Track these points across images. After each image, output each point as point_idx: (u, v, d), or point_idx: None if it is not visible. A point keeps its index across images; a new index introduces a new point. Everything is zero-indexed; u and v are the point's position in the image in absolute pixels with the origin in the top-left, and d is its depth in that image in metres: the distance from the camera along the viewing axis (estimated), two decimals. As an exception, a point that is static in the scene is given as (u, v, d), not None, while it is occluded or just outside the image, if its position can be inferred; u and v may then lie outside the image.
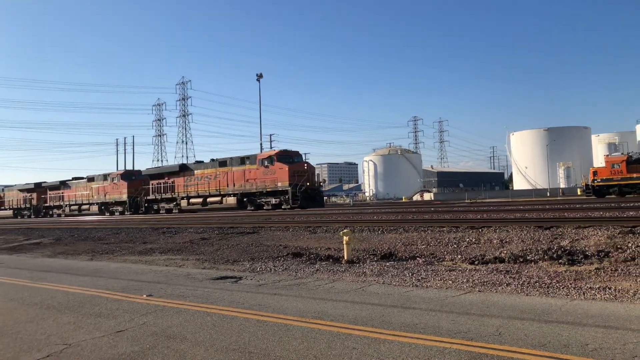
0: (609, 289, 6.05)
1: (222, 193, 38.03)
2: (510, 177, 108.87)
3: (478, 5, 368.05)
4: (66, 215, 51.50)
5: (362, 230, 13.64)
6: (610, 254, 8.12)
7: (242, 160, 37.32)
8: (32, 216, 56.68)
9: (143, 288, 7.74)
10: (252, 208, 35.79)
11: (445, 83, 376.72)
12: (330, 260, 9.79)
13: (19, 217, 58.44)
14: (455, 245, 10.25)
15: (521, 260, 8.29)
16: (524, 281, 6.78)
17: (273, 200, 34.81)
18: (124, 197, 46.09)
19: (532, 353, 3.83)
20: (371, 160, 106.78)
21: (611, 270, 7.11)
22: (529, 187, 78.52)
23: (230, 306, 6.08)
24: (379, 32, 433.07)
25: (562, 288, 6.27)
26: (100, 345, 4.61)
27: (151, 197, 43.98)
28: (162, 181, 43.37)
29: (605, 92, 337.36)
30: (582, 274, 7.01)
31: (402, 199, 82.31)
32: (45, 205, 56.40)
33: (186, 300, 6.62)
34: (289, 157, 35.57)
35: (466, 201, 51.70)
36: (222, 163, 38.84)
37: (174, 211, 41.32)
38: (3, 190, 65.85)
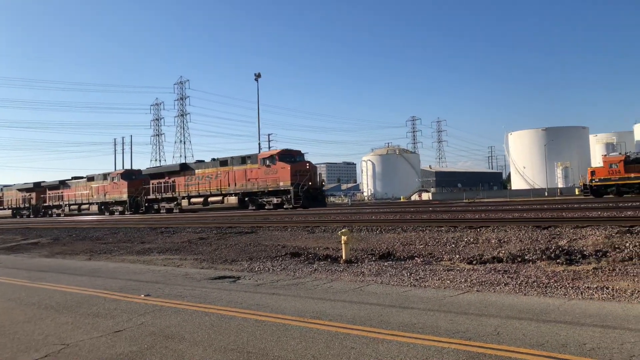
0: (607, 288, 6.06)
1: (223, 192, 37.91)
2: (509, 177, 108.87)
3: (478, 5, 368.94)
4: (65, 215, 51.37)
5: (360, 230, 13.65)
6: (608, 254, 8.13)
7: (244, 160, 37.19)
8: (31, 216, 56.51)
9: (141, 288, 7.74)
10: (254, 208, 35.70)
11: (445, 83, 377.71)
12: (329, 260, 9.79)
13: (18, 216, 58.27)
14: (454, 245, 10.26)
15: (519, 260, 8.30)
16: (522, 281, 6.79)
17: (275, 200, 34.70)
18: (124, 196, 45.99)
19: (530, 353, 3.83)
20: (369, 160, 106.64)
21: (609, 270, 7.13)
22: (527, 187, 78.51)
23: (228, 306, 6.08)
24: (379, 32, 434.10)
25: (560, 288, 6.27)
26: (98, 345, 4.61)
27: (152, 196, 43.86)
28: (162, 181, 43.24)
29: (605, 92, 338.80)
30: (580, 274, 7.02)
31: (400, 198, 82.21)
32: (45, 205, 56.26)
33: (184, 300, 6.62)
34: (291, 157, 35.42)
35: (464, 201, 51.71)
36: (223, 162, 38.68)
37: (174, 211, 41.20)
38: (2, 189, 65.57)
